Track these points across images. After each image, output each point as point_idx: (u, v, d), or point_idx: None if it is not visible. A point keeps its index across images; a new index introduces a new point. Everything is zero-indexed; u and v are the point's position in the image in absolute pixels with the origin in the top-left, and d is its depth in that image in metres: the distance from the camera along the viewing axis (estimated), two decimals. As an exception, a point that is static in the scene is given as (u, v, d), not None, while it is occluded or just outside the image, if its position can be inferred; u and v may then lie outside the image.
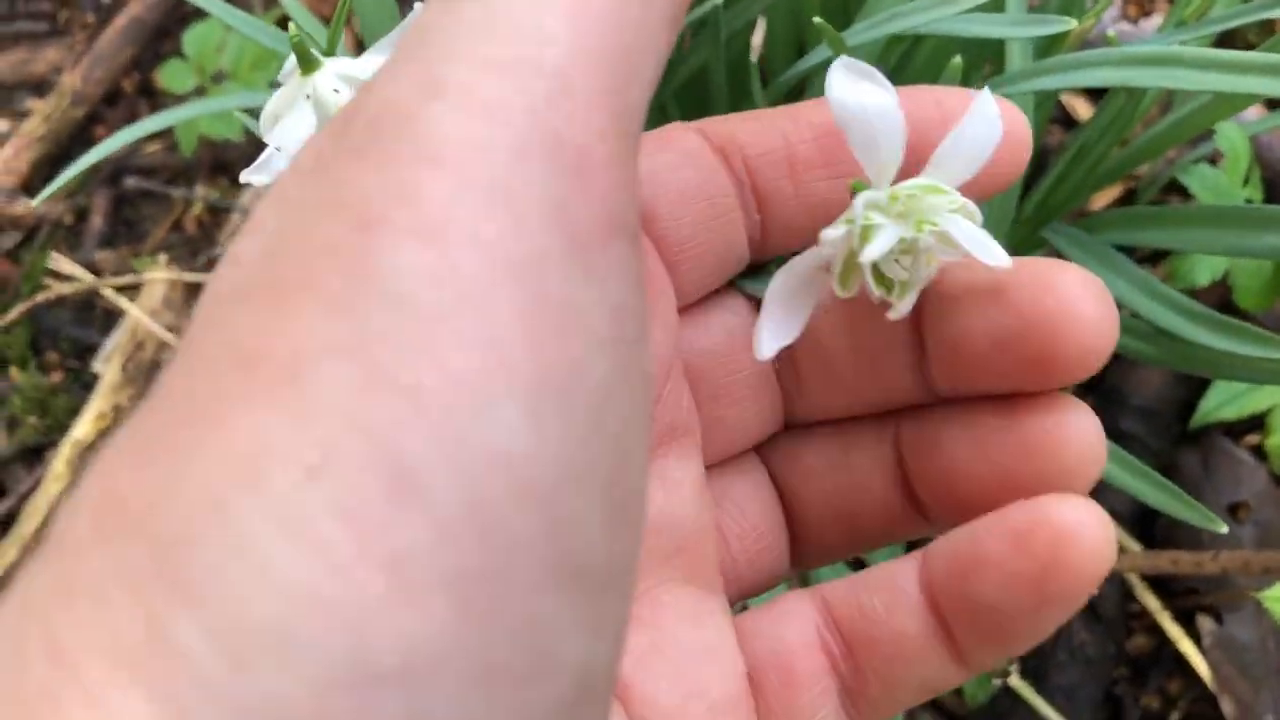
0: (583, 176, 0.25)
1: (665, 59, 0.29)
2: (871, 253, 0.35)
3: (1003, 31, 0.51)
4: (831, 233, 0.37)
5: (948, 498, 0.39)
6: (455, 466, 0.22)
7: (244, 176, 0.40)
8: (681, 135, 0.40)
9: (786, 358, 0.42)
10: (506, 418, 0.23)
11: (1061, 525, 0.34)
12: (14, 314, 0.99)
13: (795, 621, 0.39)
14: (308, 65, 0.43)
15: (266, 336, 0.23)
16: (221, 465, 0.22)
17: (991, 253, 0.35)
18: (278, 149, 0.41)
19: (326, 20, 1.02)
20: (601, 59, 0.26)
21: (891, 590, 0.37)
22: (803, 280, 0.38)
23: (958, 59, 0.55)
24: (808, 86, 0.63)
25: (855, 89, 0.36)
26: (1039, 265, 0.37)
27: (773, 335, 0.38)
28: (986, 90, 0.35)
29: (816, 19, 0.46)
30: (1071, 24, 0.49)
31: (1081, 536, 0.34)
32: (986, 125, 0.36)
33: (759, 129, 0.40)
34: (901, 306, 0.37)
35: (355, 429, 0.22)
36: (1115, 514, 0.86)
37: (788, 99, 0.70)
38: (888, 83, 0.36)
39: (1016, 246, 0.76)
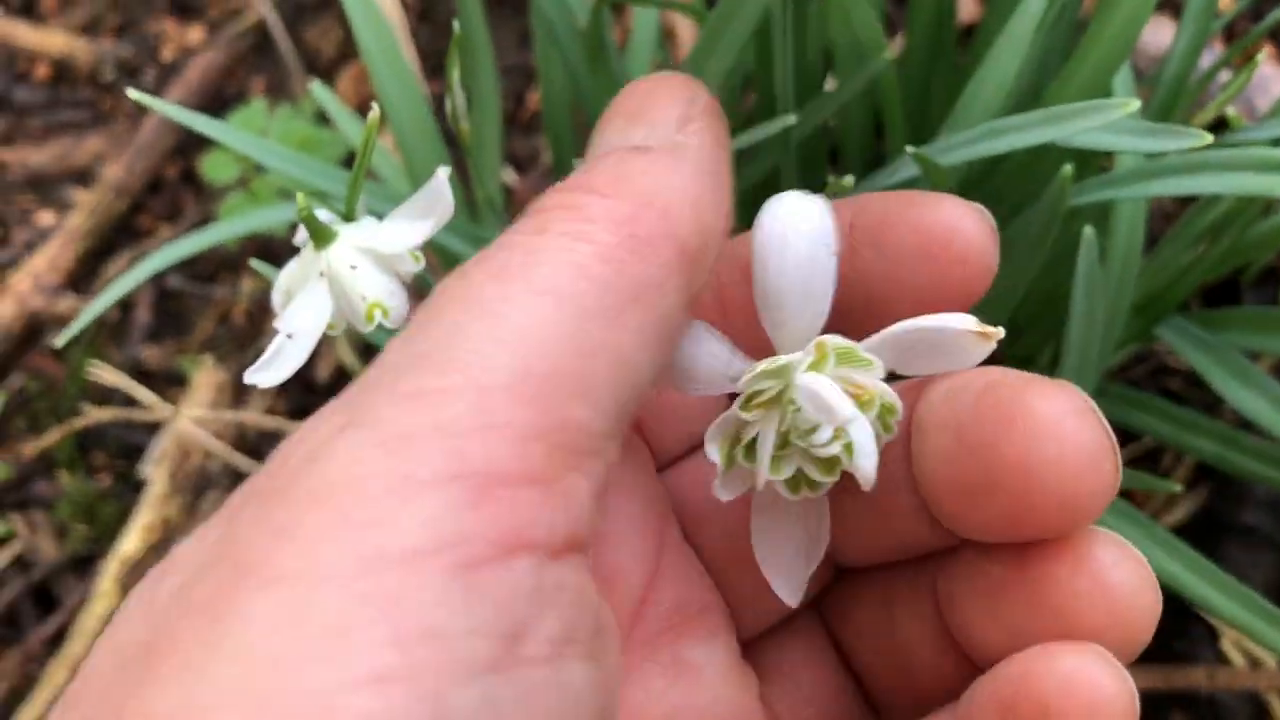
0: (484, 499, 0.25)
1: (651, 372, 0.30)
2: (761, 472, 0.32)
3: (1127, 144, 0.44)
4: (710, 446, 0.33)
5: (981, 658, 0.33)
6: None
7: (248, 377, 0.35)
8: None
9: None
10: None
11: (1049, 693, 0.29)
12: (54, 437, 0.95)
13: None
14: (321, 239, 0.37)
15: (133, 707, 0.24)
16: None
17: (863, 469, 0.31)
18: (289, 336, 0.36)
19: (362, 110, 0.98)
20: (542, 383, 0.27)
21: None
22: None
23: (1068, 168, 0.48)
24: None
25: (783, 244, 0.32)
26: (1000, 390, 0.31)
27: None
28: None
29: (910, 149, 0.40)
30: (1204, 139, 0.42)
31: (1072, 707, 0.28)
32: None
33: None
34: (864, 473, 0.31)
35: None
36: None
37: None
38: (827, 230, 0.31)
39: (1123, 343, 0.69)
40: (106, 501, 1.01)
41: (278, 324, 0.36)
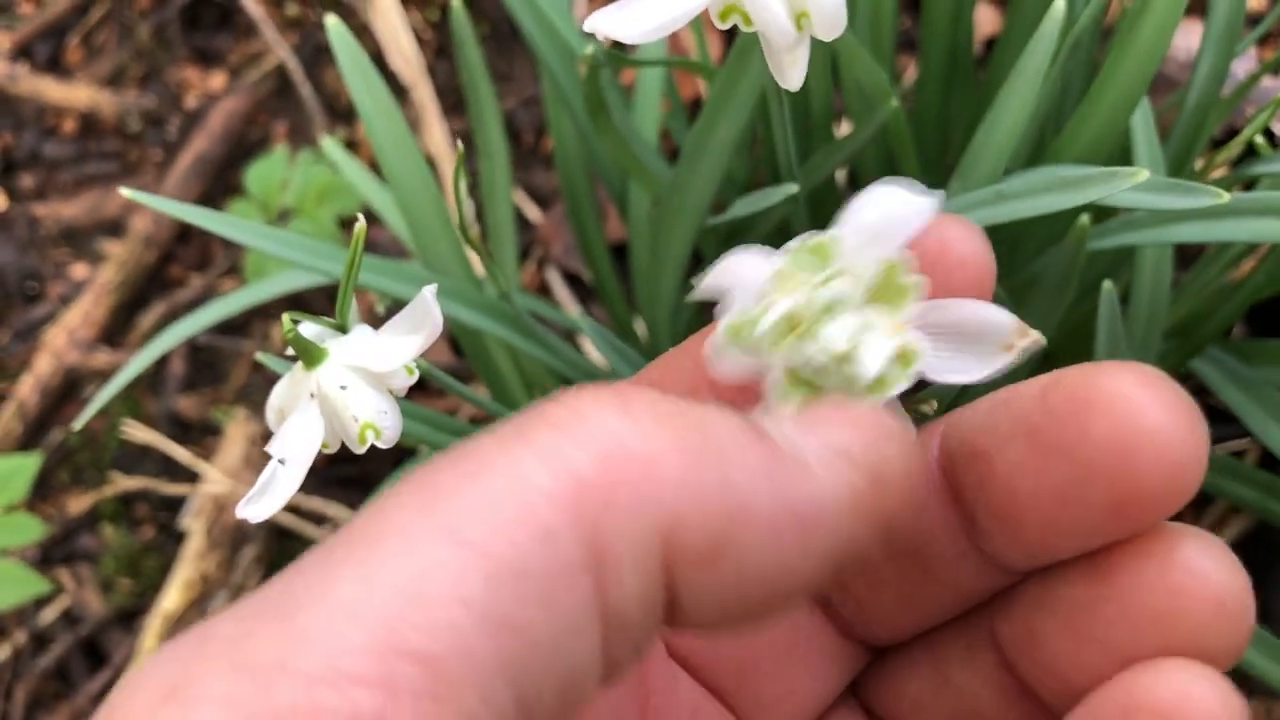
0: None
1: (576, 668, 0.24)
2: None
3: (1142, 201, 0.43)
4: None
5: (1070, 697, 0.31)
6: None
7: (239, 512, 0.34)
8: None
9: (836, 586, 0.35)
10: None
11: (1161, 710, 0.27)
12: (87, 502, 0.96)
13: None
14: (310, 359, 0.36)
15: None
16: None
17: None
18: (281, 462, 0.35)
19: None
20: (411, 668, 0.22)
21: None
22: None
23: (1085, 219, 0.47)
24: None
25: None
26: (1064, 384, 0.29)
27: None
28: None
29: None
30: (1222, 198, 0.40)
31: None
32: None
33: (670, 370, 0.34)
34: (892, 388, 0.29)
35: None
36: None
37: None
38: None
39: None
40: (149, 554, 1.02)
41: (270, 448, 0.36)
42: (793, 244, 0.29)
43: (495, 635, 0.22)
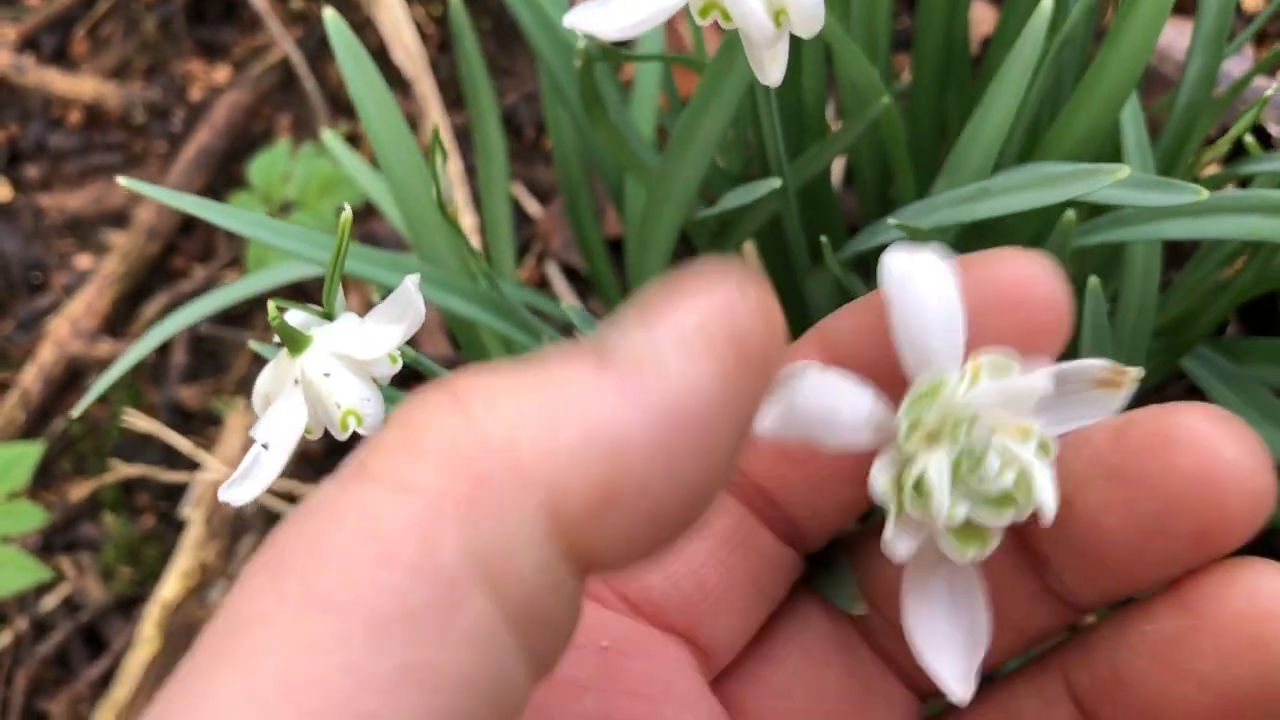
0: None
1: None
2: (941, 501, 0.29)
3: (1123, 198, 0.43)
4: (876, 483, 0.30)
5: None
6: None
7: (222, 494, 0.35)
8: None
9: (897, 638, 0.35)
10: None
11: None
12: (86, 489, 0.97)
13: None
14: (294, 346, 0.37)
15: None
16: None
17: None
18: (265, 446, 0.36)
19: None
20: None
21: None
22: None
23: (1071, 213, 0.47)
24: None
25: (917, 285, 0.30)
26: (1138, 422, 0.30)
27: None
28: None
29: (890, 219, 0.39)
30: (1201, 194, 0.41)
31: None
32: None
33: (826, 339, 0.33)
34: (1045, 502, 0.30)
35: None
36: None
37: (862, 264, 0.63)
38: (948, 268, 0.30)
39: (1147, 376, 0.67)
40: (150, 543, 1.03)
41: (254, 433, 0.36)
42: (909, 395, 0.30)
43: (393, 690, 0.21)
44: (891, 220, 0.40)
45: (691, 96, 0.52)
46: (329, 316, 0.39)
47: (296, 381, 0.37)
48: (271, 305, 0.36)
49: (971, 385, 0.29)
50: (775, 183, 0.46)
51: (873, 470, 0.30)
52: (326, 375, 0.36)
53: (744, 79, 0.52)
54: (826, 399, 0.29)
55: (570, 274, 1.04)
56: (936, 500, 0.29)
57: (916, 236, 0.42)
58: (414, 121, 1.09)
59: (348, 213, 0.38)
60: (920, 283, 0.29)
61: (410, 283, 0.36)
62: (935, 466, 0.29)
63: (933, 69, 0.65)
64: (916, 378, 0.30)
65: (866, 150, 0.65)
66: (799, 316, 0.72)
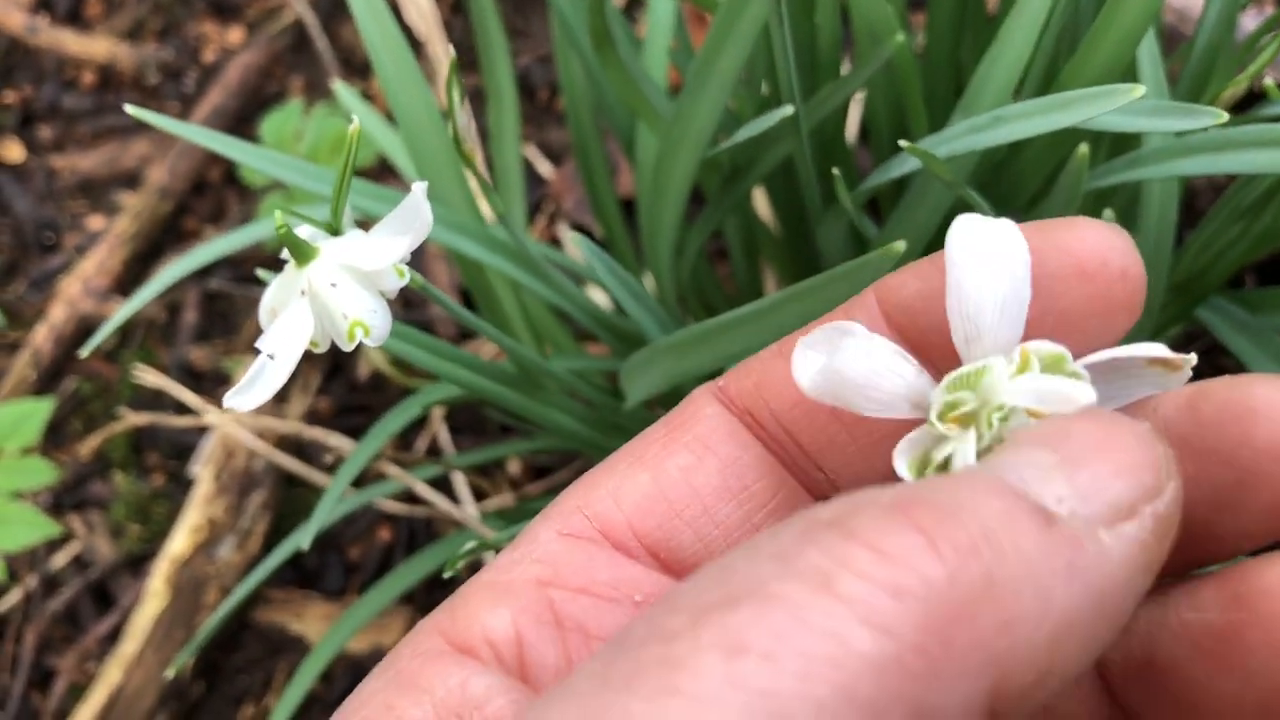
0: None
1: None
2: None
3: (1141, 125, 0.42)
4: (899, 462, 0.30)
5: None
6: None
7: (227, 401, 0.35)
8: (699, 415, 0.33)
9: None
10: None
11: None
12: (97, 440, 0.97)
13: None
14: (301, 256, 0.37)
15: None
16: None
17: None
18: (271, 357, 0.36)
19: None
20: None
21: None
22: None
23: (1084, 147, 0.46)
24: (904, 188, 0.54)
25: (980, 259, 0.29)
26: (1210, 394, 0.29)
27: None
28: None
29: (903, 143, 0.39)
30: (1219, 117, 0.40)
31: None
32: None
33: (786, 372, 0.32)
34: None
35: None
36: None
37: (878, 198, 0.62)
38: (1021, 247, 0.29)
39: (1163, 327, 0.66)
40: (159, 501, 1.03)
41: (259, 344, 0.36)
42: (950, 376, 0.29)
43: None
44: (904, 144, 0.39)
45: (706, 36, 0.51)
46: (335, 231, 0.39)
47: (303, 293, 0.36)
48: (278, 214, 0.36)
49: (1019, 374, 0.29)
50: (788, 110, 0.46)
51: (900, 444, 0.30)
52: (333, 286, 0.36)
53: (759, 18, 0.51)
54: (869, 366, 0.29)
55: (582, 234, 1.03)
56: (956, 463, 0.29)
57: (932, 165, 0.42)
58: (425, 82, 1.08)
59: (357, 123, 0.37)
60: (986, 257, 0.29)
61: (419, 190, 0.35)
62: (963, 451, 0.29)
63: (949, 14, 0.64)
64: (966, 355, 0.30)
65: (882, 102, 0.65)
66: (809, 262, 0.71)
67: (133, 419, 0.91)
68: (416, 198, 0.35)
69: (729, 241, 0.75)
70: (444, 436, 0.99)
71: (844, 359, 0.29)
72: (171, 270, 0.68)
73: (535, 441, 0.87)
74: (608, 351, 0.96)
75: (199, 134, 0.55)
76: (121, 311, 0.67)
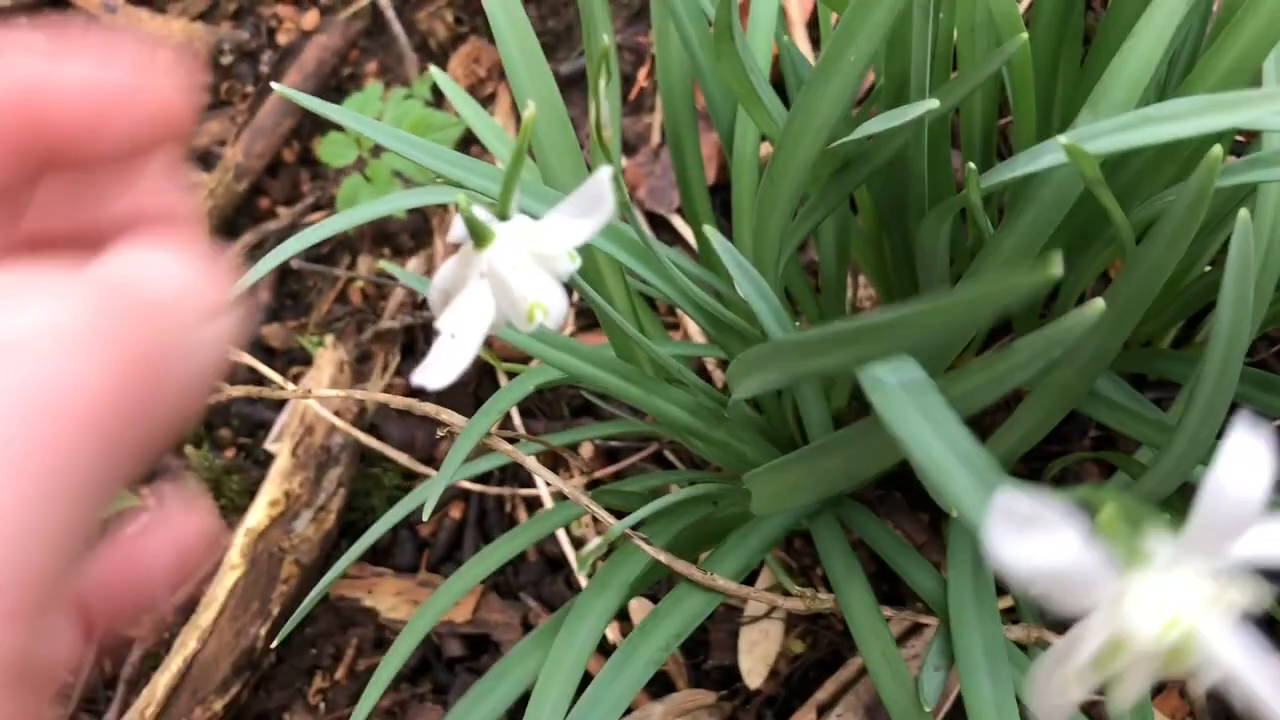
0: None
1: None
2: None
3: (1281, 126, 0.43)
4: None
5: None
6: None
7: (416, 379, 0.36)
8: None
9: None
10: None
11: None
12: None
13: None
14: (481, 239, 0.38)
15: None
16: None
17: None
18: (452, 336, 0.37)
19: (474, 92, 0.98)
20: None
21: None
22: None
23: (1218, 149, 0.47)
24: (1022, 192, 0.55)
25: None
26: None
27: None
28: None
29: (1061, 139, 0.39)
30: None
31: None
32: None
33: None
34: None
35: None
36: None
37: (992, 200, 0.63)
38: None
39: (1266, 325, 0.67)
40: (232, 475, 1.04)
41: (439, 324, 0.37)
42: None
43: None
44: (1062, 139, 0.40)
45: (837, 24, 0.52)
46: (503, 216, 0.40)
47: (482, 275, 0.37)
48: (461, 196, 0.37)
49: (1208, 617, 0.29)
50: (932, 103, 0.46)
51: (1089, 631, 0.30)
52: (514, 268, 0.37)
53: (893, 11, 0.52)
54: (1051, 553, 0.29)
55: (656, 222, 1.04)
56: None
57: (1082, 162, 0.42)
58: (499, 71, 1.09)
59: (532, 109, 0.38)
60: (1246, 494, 0.28)
61: (604, 174, 0.36)
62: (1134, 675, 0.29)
63: (1054, 10, 0.65)
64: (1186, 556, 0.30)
65: (978, 94, 0.65)
66: (900, 261, 0.72)
67: (228, 390, 0.92)
68: (600, 182, 0.36)
69: (817, 238, 0.76)
70: (516, 420, 1.00)
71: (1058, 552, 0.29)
72: (261, 264, 0.68)
73: (609, 426, 0.88)
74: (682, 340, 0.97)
75: (308, 100, 0.56)
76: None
